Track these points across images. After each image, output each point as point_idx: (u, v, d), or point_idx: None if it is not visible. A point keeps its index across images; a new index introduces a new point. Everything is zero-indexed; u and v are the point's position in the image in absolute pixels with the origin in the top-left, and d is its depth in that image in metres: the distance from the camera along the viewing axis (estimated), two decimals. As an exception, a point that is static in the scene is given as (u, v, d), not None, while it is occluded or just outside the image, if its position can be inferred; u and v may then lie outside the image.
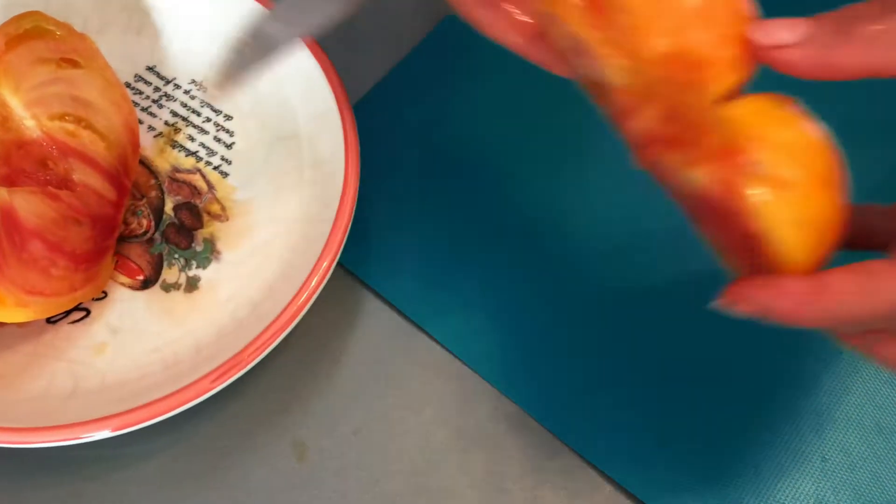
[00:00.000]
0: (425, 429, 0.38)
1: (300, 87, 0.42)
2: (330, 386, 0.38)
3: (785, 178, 0.24)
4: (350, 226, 0.38)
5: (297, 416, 0.38)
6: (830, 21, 0.24)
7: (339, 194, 0.38)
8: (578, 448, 0.37)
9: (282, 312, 0.36)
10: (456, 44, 0.43)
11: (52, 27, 0.39)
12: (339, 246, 0.37)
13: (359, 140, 0.40)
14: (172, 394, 0.34)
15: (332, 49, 0.42)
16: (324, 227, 0.38)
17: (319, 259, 0.37)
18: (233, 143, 0.43)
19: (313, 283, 0.37)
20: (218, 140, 0.43)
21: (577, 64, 0.28)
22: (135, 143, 0.41)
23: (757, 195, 0.24)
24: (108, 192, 0.39)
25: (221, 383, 0.35)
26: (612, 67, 0.26)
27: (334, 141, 0.40)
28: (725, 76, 0.24)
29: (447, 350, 0.39)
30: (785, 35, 0.24)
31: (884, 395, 0.38)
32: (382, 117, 0.44)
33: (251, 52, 0.35)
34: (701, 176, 0.25)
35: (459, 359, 0.39)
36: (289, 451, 0.37)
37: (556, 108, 0.45)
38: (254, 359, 0.35)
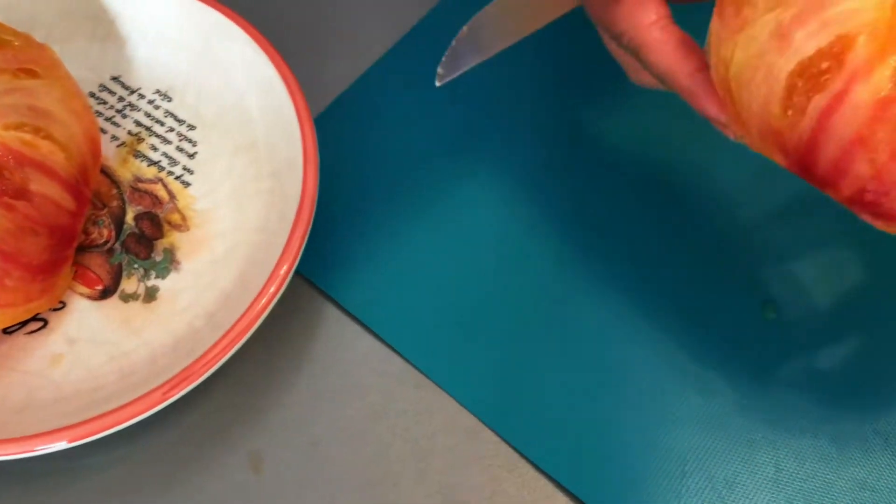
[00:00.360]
0: (383, 440, 0.37)
1: (261, 97, 0.42)
2: (288, 397, 0.38)
3: None
4: (309, 235, 0.38)
5: (254, 427, 0.38)
6: None
7: (298, 203, 0.38)
8: (535, 459, 0.37)
9: (237, 322, 0.36)
10: (419, 56, 0.43)
11: (9, 37, 0.38)
12: (297, 254, 0.37)
13: (320, 150, 0.40)
14: (126, 405, 0.34)
15: (295, 59, 0.42)
16: (282, 235, 0.38)
17: (276, 267, 0.37)
18: (195, 152, 0.43)
19: (270, 291, 0.36)
20: (180, 150, 0.43)
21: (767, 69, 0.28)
22: (95, 153, 0.41)
23: None
24: (67, 202, 0.39)
25: (175, 394, 0.35)
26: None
27: (293, 150, 0.40)
28: None
29: (406, 360, 0.39)
30: None
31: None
32: (345, 128, 0.44)
33: (467, 45, 0.37)
34: None
35: (418, 369, 0.39)
36: (245, 463, 0.37)
37: (520, 119, 0.45)
38: (207, 370, 0.35)
